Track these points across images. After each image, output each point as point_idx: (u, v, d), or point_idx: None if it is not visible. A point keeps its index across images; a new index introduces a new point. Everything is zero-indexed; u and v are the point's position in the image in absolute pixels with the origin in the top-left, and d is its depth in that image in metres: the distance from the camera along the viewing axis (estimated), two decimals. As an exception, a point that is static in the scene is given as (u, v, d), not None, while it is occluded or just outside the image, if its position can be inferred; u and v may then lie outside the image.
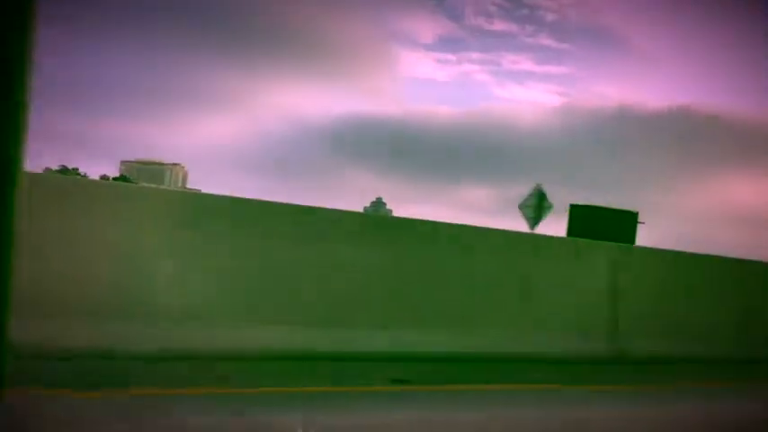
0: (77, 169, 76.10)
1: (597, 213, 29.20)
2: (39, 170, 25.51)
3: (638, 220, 29.26)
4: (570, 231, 30.22)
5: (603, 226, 28.67)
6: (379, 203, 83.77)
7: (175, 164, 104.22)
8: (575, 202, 30.39)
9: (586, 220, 29.62)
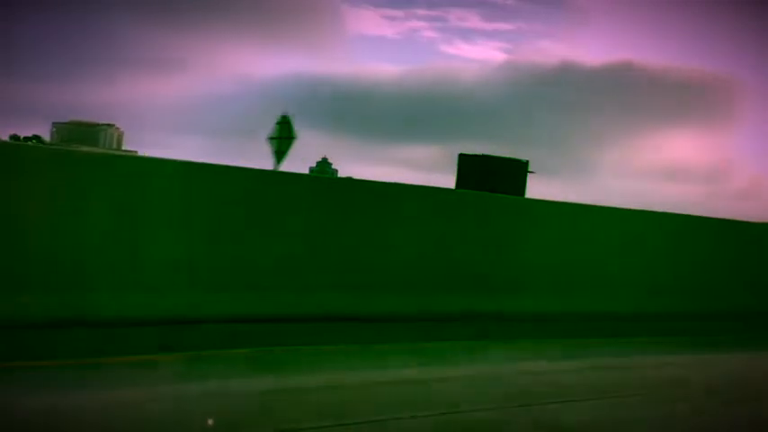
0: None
1: (486, 162, 28.95)
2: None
3: (529, 170, 29.39)
4: (459, 180, 29.77)
5: (493, 175, 28.47)
6: (324, 163, 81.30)
7: (110, 124, 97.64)
8: (464, 152, 30.03)
9: (475, 170, 29.27)
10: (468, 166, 29.24)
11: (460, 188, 29.16)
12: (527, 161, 28.97)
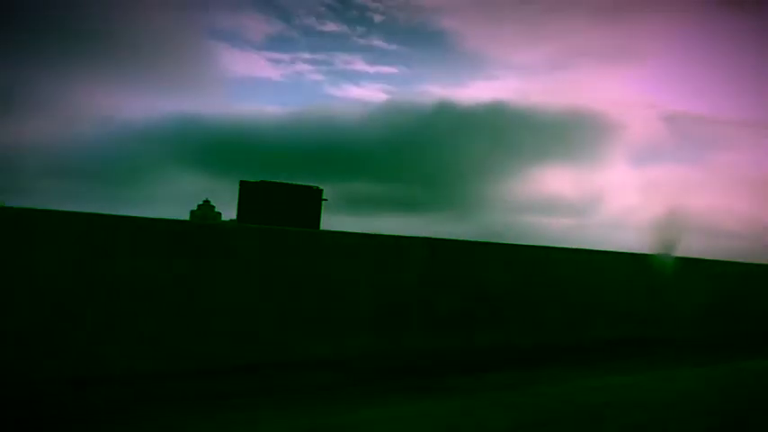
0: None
1: (271, 191, 26.02)
2: None
3: (323, 198, 26.96)
4: (241, 211, 26.29)
5: (280, 205, 25.61)
6: (206, 206, 72.52)
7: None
8: (246, 179, 26.73)
9: (258, 199, 26.14)
10: (251, 195, 26.05)
11: (243, 220, 25.73)
12: (320, 189, 26.65)
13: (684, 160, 53.58)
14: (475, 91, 61.89)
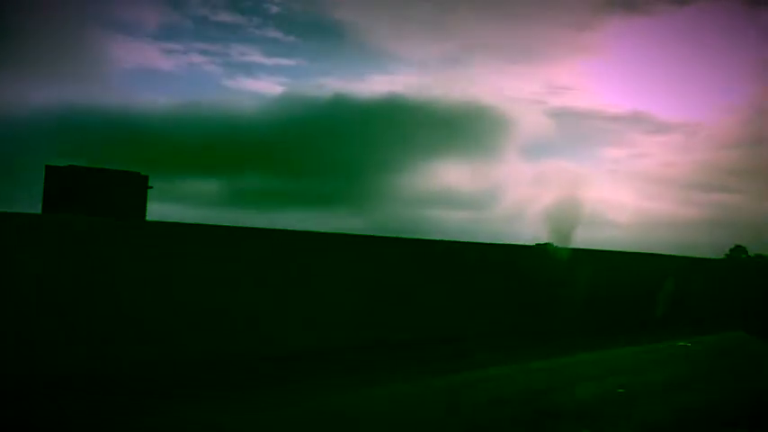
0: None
1: (84, 176, 22.91)
2: None
3: (149, 185, 24.40)
4: (47, 201, 22.89)
5: (97, 192, 22.85)
6: None
7: None
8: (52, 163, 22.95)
9: (69, 186, 22.99)
10: (59, 183, 22.73)
11: (49, 211, 22.72)
12: (146, 176, 24.04)
13: (573, 155, 58.39)
14: (373, 85, 59.64)
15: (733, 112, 53.44)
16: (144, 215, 24.16)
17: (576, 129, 55.77)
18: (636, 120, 58.83)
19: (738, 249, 40.14)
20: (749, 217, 46.45)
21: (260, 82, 57.95)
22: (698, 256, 23.51)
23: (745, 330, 16.73)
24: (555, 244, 19.38)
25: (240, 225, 13.04)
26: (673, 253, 22.23)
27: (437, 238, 15.66)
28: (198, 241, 10.96)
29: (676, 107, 61.30)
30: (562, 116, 56.21)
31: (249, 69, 55.26)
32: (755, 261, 35.04)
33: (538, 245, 19.16)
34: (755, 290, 18.68)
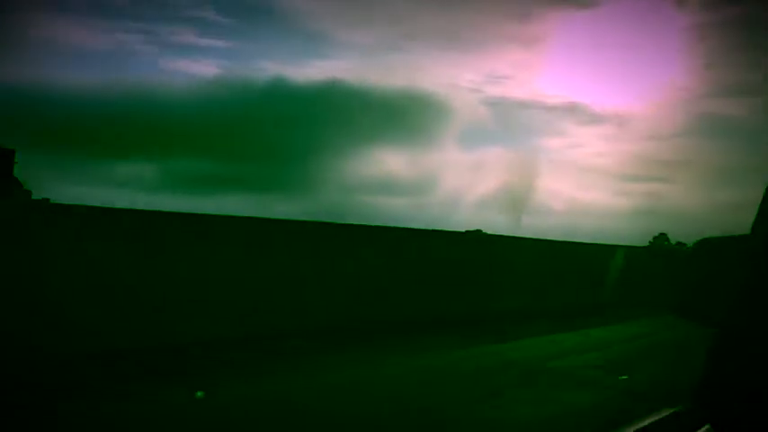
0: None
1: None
2: None
3: (15, 160, 22.34)
4: None
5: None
6: (13, 182, 41.60)
7: None
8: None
9: None
10: None
11: None
12: (11, 150, 21.84)
13: (510, 144, 58.04)
14: (311, 69, 56.98)
15: (661, 104, 55.19)
16: (10, 191, 22.32)
17: (513, 118, 56.27)
18: (571, 110, 59.86)
19: (661, 237, 41.22)
20: (675, 206, 47.99)
21: (195, 63, 55.64)
22: (628, 244, 23.73)
23: (675, 313, 16.77)
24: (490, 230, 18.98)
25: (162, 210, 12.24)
26: (604, 241, 22.37)
27: (366, 223, 15.10)
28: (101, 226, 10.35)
29: (610, 98, 63.03)
30: (500, 105, 56.58)
31: (184, 50, 52.87)
32: (677, 248, 35.90)
33: (468, 231, 18.63)
34: (679, 275, 18.85)
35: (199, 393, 8.05)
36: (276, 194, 44.55)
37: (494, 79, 58.90)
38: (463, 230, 18.91)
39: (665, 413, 1.42)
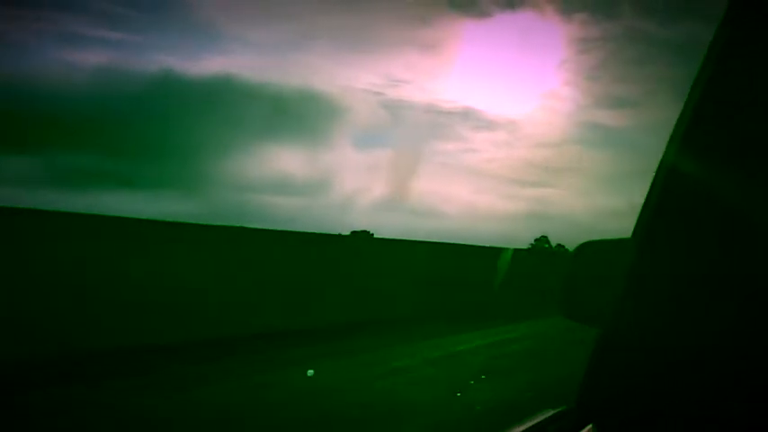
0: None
1: None
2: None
3: None
4: None
5: None
6: None
7: None
8: None
9: None
10: None
11: None
12: None
13: (407, 147, 57.29)
14: (206, 64, 53.42)
15: (549, 113, 57.78)
16: None
17: (410, 121, 57.16)
18: (466, 116, 61.61)
19: (542, 239, 43.08)
20: (559, 210, 50.45)
21: (82, 53, 52.68)
22: (514, 246, 24.60)
23: (562, 314, 17.44)
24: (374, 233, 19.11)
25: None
26: (493, 244, 23.06)
27: (251, 226, 14.76)
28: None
29: (502, 106, 65.38)
30: (398, 108, 57.28)
31: (70, 40, 49.81)
32: (557, 250, 37.64)
33: (353, 233, 18.70)
34: (564, 276, 19.69)
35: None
36: (168, 192, 43.04)
37: (392, 82, 59.67)
38: (349, 232, 19.05)
39: (548, 413, 1.46)
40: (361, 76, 64.72)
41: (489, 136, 60.02)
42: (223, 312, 12.75)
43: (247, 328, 12.87)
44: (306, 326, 13.87)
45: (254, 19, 54.78)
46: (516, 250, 24.12)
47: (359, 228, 20.12)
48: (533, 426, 1.44)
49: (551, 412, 1.45)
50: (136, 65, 50.05)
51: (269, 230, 15.17)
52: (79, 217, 11.57)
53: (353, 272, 16.07)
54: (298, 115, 50.54)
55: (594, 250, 1.62)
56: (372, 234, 19.11)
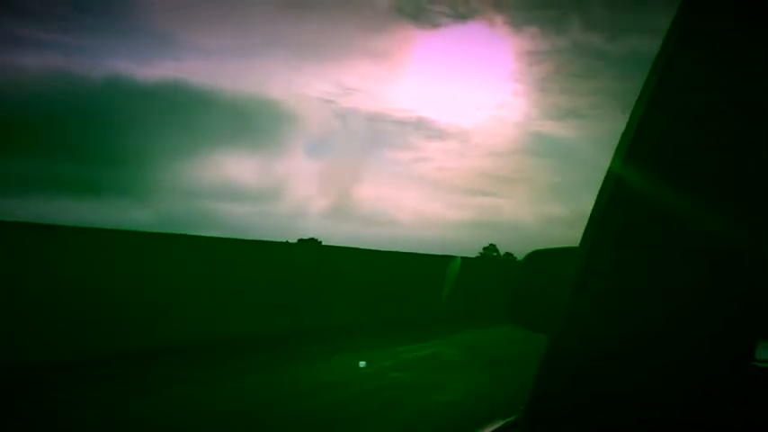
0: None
1: None
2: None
3: None
4: None
5: None
6: None
7: None
8: None
9: None
10: None
11: None
12: None
13: (360, 155, 57.15)
14: (157, 69, 52.20)
15: (500, 123, 58.94)
16: None
17: (363, 130, 57.59)
18: (418, 125, 62.32)
19: (491, 248, 43.63)
20: (507, 219, 51.34)
21: (28, 57, 51.19)
22: (463, 255, 24.81)
23: (512, 323, 17.61)
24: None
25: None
26: (442, 252, 23.20)
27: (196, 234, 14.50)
28: None
29: (454, 115, 66.39)
30: (351, 117, 57.54)
31: (17, 43, 48.27)
32: (504, 258, 38.17)
33: (301, 240, 18.58)
34: (514, 285, 19.98)
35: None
36: (117, 200, 42.18)
37: (344, 90, 59.87)
38: (296, 240, 18.89)
39: (498, 424, 1.47)
40: (313, 84, 64.81)
41: (441, 145, 60.71)
42: (148, 323, 12.44)
43: (161, 342, 12.53)
44: (224, 337, 13.42)
45: (207, 25, 54.33)
46: (465, 259, 24.32)
47: (307, 236, 20.08)
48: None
49: (501, 422, 1.47)
50: (84, 69, 48.96)
51: (203, 237, 14.84)
52: (15, 225, 11.19)
53: (297, 279, 15.96)
54: (250, 122, 50.24)
55: (543, 259, 1.65)
56: (320, 242, 19.02)
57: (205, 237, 14.95)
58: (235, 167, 47.08)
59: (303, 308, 15.82)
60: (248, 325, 14.20)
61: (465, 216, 54.33)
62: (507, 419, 1.47)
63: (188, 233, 14.87)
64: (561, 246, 1.57)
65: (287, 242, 18.44)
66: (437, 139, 63.25)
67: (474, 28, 56.45)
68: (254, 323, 14.42)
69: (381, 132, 58.86)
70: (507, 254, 41.63)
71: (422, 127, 63.86)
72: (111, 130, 43.66)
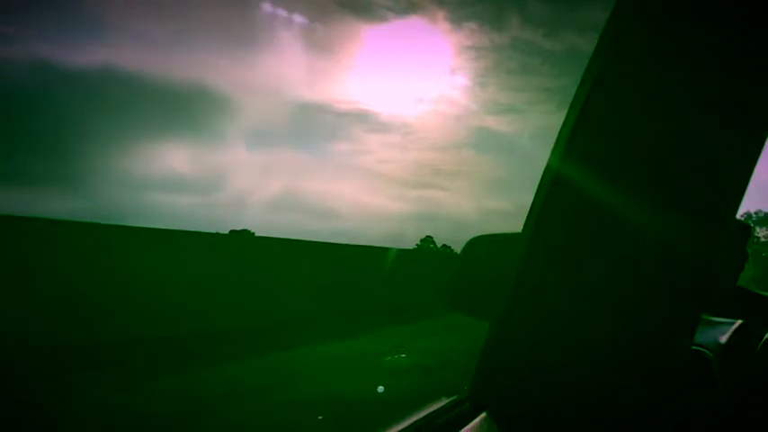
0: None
1: None
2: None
3: None
4: None
5: None
6: None
7: None
8: None
9: None
10: None
11: None
12: None
13: (302, 146, 55.88)
14: (89, 56, 48.99)
15: (442, 117, 59.42)
16: None
17: (305, 121, 57.11)
18: (361, 118, 62.05)
19: (427, 240, 43.99)
20: (447, 212, 51.94)
21: None
22: (401, 246, 24.96)
23: (457, 310, 17.80)
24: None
25: None
26: (381, 244, 23.32)
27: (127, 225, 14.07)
28: None
29: (396, 108, 66.38)
30: (293, 107, 56.90)
31: None
32: (442, 250, 38.58)
33: (232, 232, 18.34)
34: (458, 273, 20.33)
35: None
36: (48, 189, 40.72)
37: (288, 81, 59.03)
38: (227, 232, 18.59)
39: (442, 402, 1.55)
40: (255, 75, 63.82)
41: (383, 138, 60.85)
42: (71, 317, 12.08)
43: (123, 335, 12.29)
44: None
45: (142, 12, 52.67)
46: (401, 250, 24.50)
47: (239, 227, 19.82)
48: (426, 415, 1.51)
49: (445, 401, 1.54)
50: (8, 54, 46.77)
51: (130, 227, 14.38)
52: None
53: (225, 272, 15.71)
54: (189, 112, 49.17)
55: (484, 245, 1.69)
56: (253, 233, 18.80)
57: (117, 225, 14.43)
58: (173, 158, 46.08)
59: (219, 305, 15.43)
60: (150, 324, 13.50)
61: (405, 208, 54.75)
62: (452, 398, 1.55)
63: (113, 223, 14.48)
64: (502, 232, 1.64)
65: (216, 233, 18.10)
66: (379, 131, 63.45)
67: (415, 23, 56.77)
68: (159, 322, 13.73)
69: (322, 124, 58.55)
70: (444, 245, 42.11)
71: (364, 120, 63.85)
72: (40, 118, 42.06)
